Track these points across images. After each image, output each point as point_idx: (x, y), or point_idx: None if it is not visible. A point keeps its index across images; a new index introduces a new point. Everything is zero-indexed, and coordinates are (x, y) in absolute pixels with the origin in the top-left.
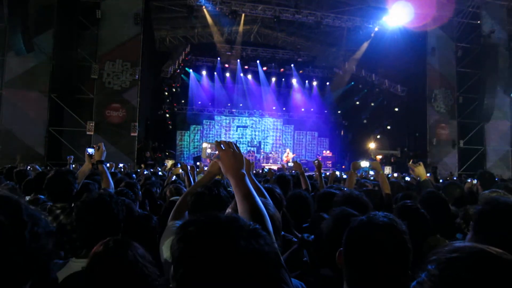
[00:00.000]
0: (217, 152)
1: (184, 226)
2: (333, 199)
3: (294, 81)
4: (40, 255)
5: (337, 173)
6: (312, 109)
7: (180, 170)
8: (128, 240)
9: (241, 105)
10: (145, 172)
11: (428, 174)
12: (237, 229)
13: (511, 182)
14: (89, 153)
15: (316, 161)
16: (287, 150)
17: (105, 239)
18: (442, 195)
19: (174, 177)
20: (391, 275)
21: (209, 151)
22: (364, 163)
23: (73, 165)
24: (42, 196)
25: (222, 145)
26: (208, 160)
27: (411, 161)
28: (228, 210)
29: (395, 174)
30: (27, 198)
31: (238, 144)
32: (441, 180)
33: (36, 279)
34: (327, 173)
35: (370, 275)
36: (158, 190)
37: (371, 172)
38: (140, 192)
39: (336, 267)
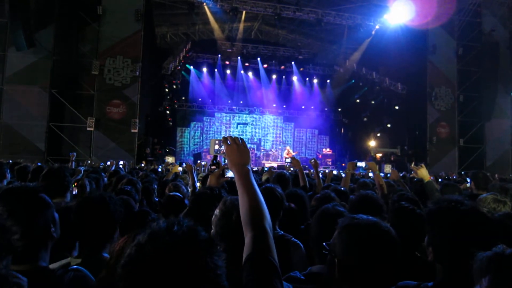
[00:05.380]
0: (223, 148)
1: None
2: (349, 199)
3: (294, 78)
4: None
5: (334, 172)
6: (312, 107)
7: (179, 168)
8: None
9: (241, 102)
10: (141, 173)
11: (431, 178)
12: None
13: (504, 182)
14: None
15: (312, 160)
16: (287, 148)
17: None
18: (413, 195)
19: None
20: (383, 275)
21: (216, 147)
22: (361, 164)
23: (79, 163)
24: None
25: (228, 140)
26: (208, 157)
27: (413, 163)
28: (216, 211)
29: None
30: None
31: None
32: (439, 180)
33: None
34: (326, 171)
35: (364, 276)
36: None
37: (371, 174)
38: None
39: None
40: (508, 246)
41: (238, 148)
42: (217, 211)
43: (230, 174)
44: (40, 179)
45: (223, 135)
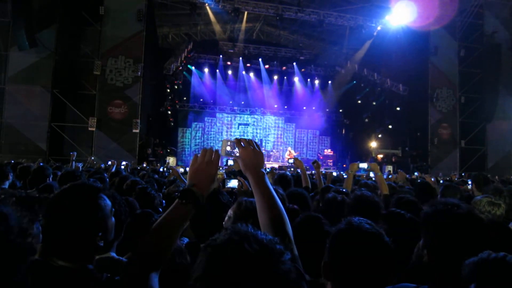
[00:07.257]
0: (236, 150)
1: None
2: (345, 202)
3: (296, 79)
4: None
5: (334, 173)
6: (313, 108)
7: (181, 170)
8: None
9: (242, 102)
10: (141, 173)
11: (432, 179)
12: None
13: (501, 183)
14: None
15: (315, 163)
16: (289, 148)
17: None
18: (414, 199)
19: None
20: (376, 280)
21: (228, 148)
22: (363, 165)
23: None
24: None
25: (242, 143)
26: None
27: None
28: (230, 211)
29: (395, 176)
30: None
31: None
32: (441, 181)
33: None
34: (327, 171)
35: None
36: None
37: (371, 174)
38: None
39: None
40: (504, 249)
41: (253, 151)
42: (230, 213)
43: (231, 184)
44: (58, 182)
45: (235, 137)
